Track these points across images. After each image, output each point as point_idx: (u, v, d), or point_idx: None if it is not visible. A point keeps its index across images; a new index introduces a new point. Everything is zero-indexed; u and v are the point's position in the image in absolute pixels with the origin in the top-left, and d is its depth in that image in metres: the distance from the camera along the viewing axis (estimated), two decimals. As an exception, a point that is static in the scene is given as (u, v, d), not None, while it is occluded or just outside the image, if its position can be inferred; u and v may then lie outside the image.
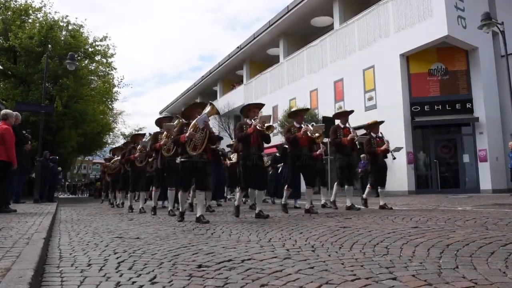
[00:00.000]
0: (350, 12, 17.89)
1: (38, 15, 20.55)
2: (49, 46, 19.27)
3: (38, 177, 12.04)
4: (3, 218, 5.40)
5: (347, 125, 7.39)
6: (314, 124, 6.89)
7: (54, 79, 20.18)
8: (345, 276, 2.12)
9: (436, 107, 14.89)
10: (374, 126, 7.70)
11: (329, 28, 19.68)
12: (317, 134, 6.51)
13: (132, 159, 8.37)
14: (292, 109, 7.35)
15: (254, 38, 22.90)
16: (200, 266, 2.47)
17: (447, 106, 14.79)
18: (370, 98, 16.23)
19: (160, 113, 38.97)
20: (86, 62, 22.01)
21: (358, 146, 7.36)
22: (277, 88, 22.41)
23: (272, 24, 21.09)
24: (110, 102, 25.91)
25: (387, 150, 7.42)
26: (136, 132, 9.30)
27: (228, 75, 29.36)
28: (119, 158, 9.39)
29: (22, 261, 2.32)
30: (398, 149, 7.65)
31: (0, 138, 6.60)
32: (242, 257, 2.71)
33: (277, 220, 5.39)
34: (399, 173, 13.74)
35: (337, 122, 7.76)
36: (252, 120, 5.92)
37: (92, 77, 23.07)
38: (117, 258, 2.78)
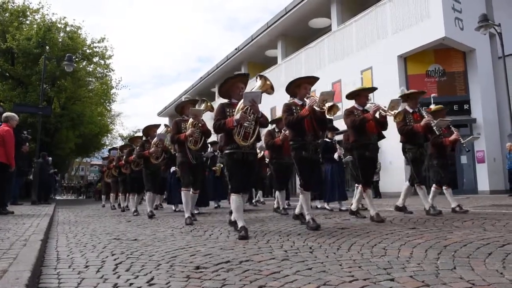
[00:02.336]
0: (348, 14, 17.92)
1: (36, 17, 20.53)
2: (47, 47, 19.23)
3: (36, 179, 12.01)
4: (0, 220, 5.38)
5: (416, 109, 5.93)
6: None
7: (52, 81, 20.13)
8: (343, 277, 2.12)
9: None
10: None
11: (327, 29, 19.70)
12: (394, 112, 5.06)
13: (146, 155, 7.17)
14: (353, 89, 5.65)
15: (253, 40, 22.91)
16: (197, 267, 2.46)
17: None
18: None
19: (158, 114, 38.93)
20: (84, 63, 21.97)
21: (438, 132, 5.84)
22: (277, 89, 22.33)
23: (270, 26, 21.10)
24: (108, 104, 25.86)
25: (456, 141, 6.09)
26: (150, 124, 7.96)
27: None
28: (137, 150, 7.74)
29: (19, 263, 2.31)
30: (474, 139, 6.42)
31: (0, 140, 6.63)
32: (240, 259, 2.71)
33: (275, 222, 5.38)
34: (397, 174, 13.74)
35: (403, 106, 6.01)
36: (305, 99, 4.54)
37: (90, 79, 23.02)
38: (115, 259, 2.77)
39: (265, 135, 6.83)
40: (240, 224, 3.95)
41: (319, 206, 7.94)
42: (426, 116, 5.73)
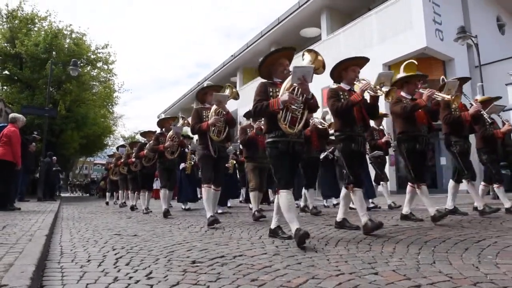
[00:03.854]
0: (337, 24, 17.99)
1: (44, 24, 20.36)
2: (54, 53, 19.13)
3: (42, 177, 11.91)
4: (8, 216, 5.32)
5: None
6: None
7: (58, 84, 19.99)
8: (330, 271, 2.12)
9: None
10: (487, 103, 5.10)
11: (317, 38, 19.75)
12: (448, 97, 4.18)
13: (161, 150, 6.29)
14: (399, 75, 4.57)
15: (248, 47, 22.93)
16: (194, 262, 2.45)
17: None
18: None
19: (158, 117, 38.76)
20: (88, 68, 21.85)
21: (489, 122, 5.02)
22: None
23: (264, 35, 21.13)
24: (110, 106, 25.73)
25: (507, 133, 5.30)
26: (166, 116, 7.11)
27: (223, 82, 29.08)
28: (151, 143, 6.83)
29: (24, 257, 2.29)
30: None
31: (7, 140, 6.60)
32: (234, 254, 2.70)
33: (268, 218, 5.36)
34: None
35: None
36: (356, 83, 3.78)
37: (94, 83, 22.90)
38: (116, 254, 2.75)
39: (240, 132, 6.04)
40: (294, 226, 3.02)
41: (334, 203, 7.31)
42: (474, 104, 4.88)
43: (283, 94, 3.17)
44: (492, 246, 2.72)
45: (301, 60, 3.48)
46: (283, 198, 3.17)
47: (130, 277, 2.08)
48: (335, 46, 17.63)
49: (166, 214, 6.01)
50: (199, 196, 8.48)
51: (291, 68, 3.24)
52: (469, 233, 3.35)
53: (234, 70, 26.47)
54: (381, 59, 14.98)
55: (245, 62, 25.16)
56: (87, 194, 31.59)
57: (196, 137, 5.28)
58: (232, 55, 24.93)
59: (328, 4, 17.86)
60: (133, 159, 8.19)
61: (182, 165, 7.88)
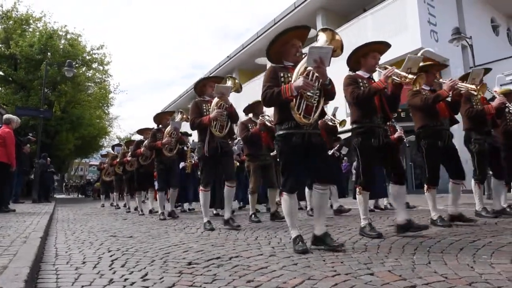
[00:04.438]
0: (333, 25, 17.99)
1: (38, 25, 20.26)
2: (49, 54, 19.02)
3: (36, 178, 11.83)
4: (2, 218, 5.28)
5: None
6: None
7: (53, 85, 19.89)
8: (326, 272, 2.12)
9: (410, 113, 14.97)
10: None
11: (313, 39, 19.68)
12: (473, 87, 3.78)
13: (159, 147, 5.89)
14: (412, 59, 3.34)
15: (243, 48, 22.93)
16: (190, 263, 2.44)
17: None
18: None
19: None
20: (84, 69, 21.74)
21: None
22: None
23: (260, 35, 21.15)
24: (106, 107, 25.64)
25: None
26: (163, 111, 7.31)
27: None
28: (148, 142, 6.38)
29: (18, 259, 2.27)
30: None
31: (2, 141, 6.57)
32: (230, 255, 2.70)
33: (263, 219, 5.36)
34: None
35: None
36: (379, 69, 3.42)
37: (89, 84, 22.81)
38: (111, 256, 2.74)
39: (240, 128, 5.58)
40: (294, 233, 2.83)
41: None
42: (499, 98, 4.40)
43: (296, 79, 2.77)
44: (487, 246, 2.73)
45: (315, 42, 3.03)
46: (286, 202, 2.87)
47: (126, 279, 2.07)
48: (330, 47, 17.69)
49: (164, 219, 5.78)
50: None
51: (305, 50, 2.87)
52: (464, 233, 3.37)
53: (230, 71, 26.44)
54: (376, 60, 15.05)
55: (240, 63, 25.18)
56: (83, 196, 31.41)
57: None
58: (227, 56, 24.95)
59: (323, 5, 17.92)
60: (129, 158, 7.85)
61: (181, 164, 7.47)
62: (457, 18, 15.61)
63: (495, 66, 13.67)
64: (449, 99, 4.00)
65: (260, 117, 5.26)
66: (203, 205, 4.46)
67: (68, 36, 20.76)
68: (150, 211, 7.41)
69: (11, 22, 19.36)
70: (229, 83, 4.60)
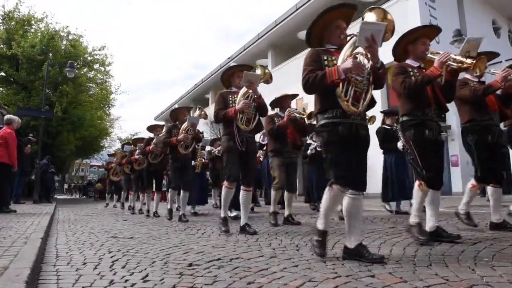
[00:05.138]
0: (334, 27, 18.10)
1: (40, 25, 20.36)
2: (50, 54, 19.08)
3: (37, 179, 11.85)
4: (3, 218, 5.29)
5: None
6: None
7: (54, 86, 19.93)
8: (326, 274, 2.12)
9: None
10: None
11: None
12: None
13: (174, 143, 5.54)
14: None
15: (244, 49, 22.96)
16: (190, 264, 2.44)
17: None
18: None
19: (155, 119, 38.70)
20: (85, 70, 21.81)
21: None
22: (265, 97, 22.37)
23: (261, 37, 21.16)
24: (107, 108, 25.69)
25: None
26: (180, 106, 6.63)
27: (219, 84, 29.16)
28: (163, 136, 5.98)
29: (19, 260, 2.27)
30: None
31: (3, 141, 6.57)
32: (231, 256, 2.69)
33: (264, 220, 5.36)
34: (376, 177, 13.81)
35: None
36: (430, 55, 3.05)
37: (91, 84, 22.86)
38: (112, 257, 2.73)
39: (266, 121, 5.06)
40: (356, 239, 2.48)
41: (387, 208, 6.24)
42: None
43: (343, 61, 2.42)
44: (488, 248, 2.73)
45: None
46: (350, 203, 2.45)
47: (126, 280, 2.07)
48: (332, 49, 17.70)
49: (171, 213, 5.73)
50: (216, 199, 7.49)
51: (350, 31, 2.60)
52: (465, 235, 3.36)
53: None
54: (378, 62, 15.05)
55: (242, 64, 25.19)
56: (84, 196, 31.43)
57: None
58: (229, 57, 24.99)
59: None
60: (136, 156, 7.53)
61: (192, 163, 6.82)
62: (458, 20, 15.60)
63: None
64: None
65: (288, 110, 4.91)
66: (224, 200, 4.11)
67: (70, 37, 20.85)
68: (148, 211, 7.06)
69: (13, 23, 19.45)
70: (258, 71, 4.18)
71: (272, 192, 5.08)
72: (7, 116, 7.29)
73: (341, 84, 2.40)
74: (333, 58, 2.57)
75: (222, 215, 4.16)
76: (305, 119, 5.02)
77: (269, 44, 22.03)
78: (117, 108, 67.89)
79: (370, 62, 2.44)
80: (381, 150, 6.26)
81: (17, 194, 9.84)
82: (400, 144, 5.93)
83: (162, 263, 2.49)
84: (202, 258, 2.65)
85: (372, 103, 2.55)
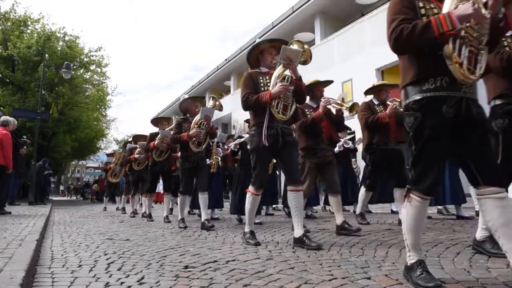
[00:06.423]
0: (331, 29, 18.11)
1: (36, 26, 20.23)
2: (46, 55, 18.99)
3: (33, 181, 11.79)
4: (-2, 220, 5.25)
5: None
6: None
7: (50, 87, 19.85)
8: (323, 276, 2.12)
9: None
10: None
11: (311, 43, 19.85)
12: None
13: (185, 139, 4.80)
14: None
15: (242, 51, 22.97)
16: (186, 267, 2.43)
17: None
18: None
19: (152, 122, 38.57)
20: (81, 71, 21.71)
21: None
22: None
23: (258, 39, 21.23)
24: (103, 110, 25.59)
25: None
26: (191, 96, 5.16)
27: (216, 85, 29.30)
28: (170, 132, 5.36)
29: (14, 262, 2.25)
30: None
31: (-2, 143, 6.54)
32: (227, 258, 2.69)
33: (264, 221, 5.35)
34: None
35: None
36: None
37: (87, 86, 22.75)
38: (107, 259, 2.72)
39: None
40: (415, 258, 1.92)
41: None
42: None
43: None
44: (484, 250, 2.73)
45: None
46: (413, 207, 1.86)
47: (122, 283, 2.06)
48: (328, 51, 17.75)
49: (184, 223, 4.96)
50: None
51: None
52: (460, 237, 3.37)
53: (228, 74, 26.53)
54: (374, 64, 15.10)
55: (239, 66, 25.21)
56: (81, 198, 31.28)
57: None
58: (226, 59, 25.01)
59: (321, 9, 18.00)
60: (136, 156, 6.86)
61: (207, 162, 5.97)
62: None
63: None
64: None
65: (324, 100, 4.22)
66: (249, 212, 3.45)
67: (66, 38, 20.74)
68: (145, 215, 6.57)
69: (9, 24, 19.35)
70: (295, 47, 3.34)
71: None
72: (3, 118, 7.25)
73: (451, 40, 1.70)
74: (432, 5, 1.87)
75: (247, 229, 3.45)
76: (343, 110, 4.41)
77: (266, 46, 22.04)
78: (113, 109, 67.63)
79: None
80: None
81: (12, 195, 9.78)
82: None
83: (158, 265, 2.48)
84: (198, 260, 2.64)
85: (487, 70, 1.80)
